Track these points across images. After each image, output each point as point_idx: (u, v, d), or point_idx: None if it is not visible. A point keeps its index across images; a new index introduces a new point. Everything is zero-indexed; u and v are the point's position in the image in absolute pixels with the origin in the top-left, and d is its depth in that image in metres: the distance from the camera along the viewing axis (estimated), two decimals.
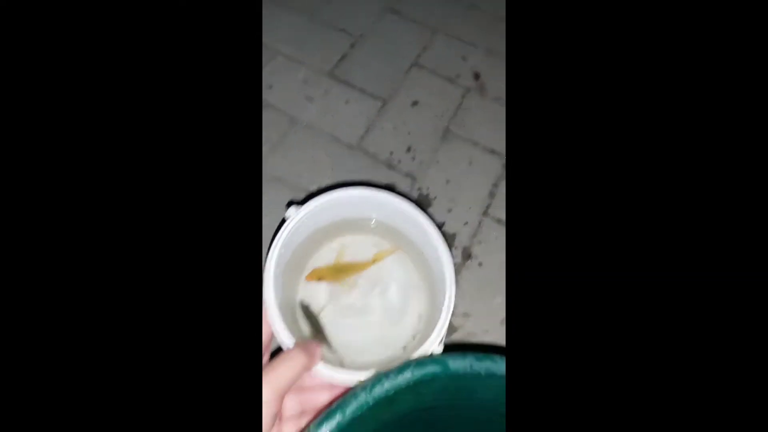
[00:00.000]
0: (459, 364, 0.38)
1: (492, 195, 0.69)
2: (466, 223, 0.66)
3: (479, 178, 0.70)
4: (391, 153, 0.71)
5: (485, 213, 0.67)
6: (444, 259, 0.46)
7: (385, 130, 0.73)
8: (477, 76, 0.79)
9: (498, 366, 0.39)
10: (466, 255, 0.65)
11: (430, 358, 0.38)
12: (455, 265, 0.62)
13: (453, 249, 0.65)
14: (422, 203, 0.67)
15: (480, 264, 0.64)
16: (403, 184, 0.69)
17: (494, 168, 0.70)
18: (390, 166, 0.70)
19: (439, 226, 0.65)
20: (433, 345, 0.43)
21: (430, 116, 0.75)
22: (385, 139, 0.72)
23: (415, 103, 0.76)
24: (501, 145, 0.72)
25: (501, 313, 0.60)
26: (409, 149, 0.72)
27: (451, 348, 0.41)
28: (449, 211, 0.67)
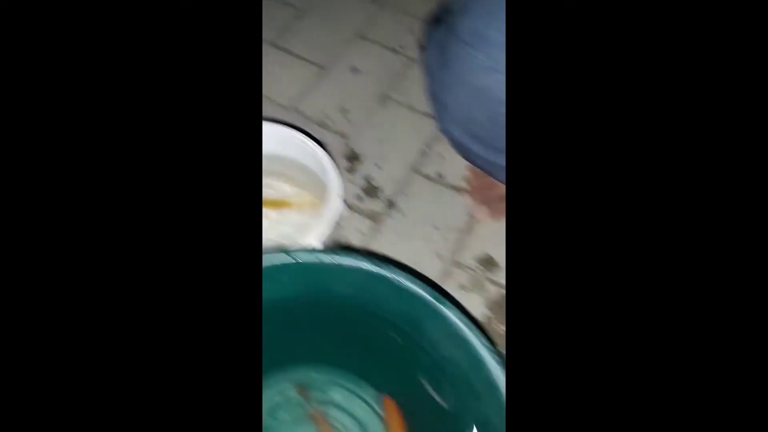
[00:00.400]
0: (307, 256, 0.38)
1: (423, 154, 0.68)
2: (393, 178, 0.66)
3: (412, 140, 0.69)
4: (324, 113, 0.71)
5: (414, 170, 0.67)
6: (330, 174, 0.50)
7: (321, 93, 0.74)
8: (423, 48, 0.80)
9: (345, 259, 0.39)
10: (390, 205, 0.64)
11: (284, 249, 0.38)
12: (377, 213, 0.63)
13: (377, 199, 0.64)
14: (352, 158, 0.67)
15: (402, 213, 0.63)
16: (334, 142, 0.69)
17: (429, 130, 0.70)
18: (322, 125, 0.70)
19: (366, 180, 0.65)
20: (311, 242, 0.48)
21: (369, 83, 0.75)
22: (320, 101, 0.73)
23: (354, 70, 0.76)
24: None
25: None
26: (343, 111, 0.72)
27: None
28: (379, 167, 0.67)
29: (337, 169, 0.51)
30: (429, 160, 0.67)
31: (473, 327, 0.35)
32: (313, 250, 0.39)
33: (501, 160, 0.47)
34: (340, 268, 0.39)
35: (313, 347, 0.52)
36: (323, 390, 0.51)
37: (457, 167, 0.66)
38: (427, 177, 0.66)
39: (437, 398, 0.42)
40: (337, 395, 0.52)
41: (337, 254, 0.39)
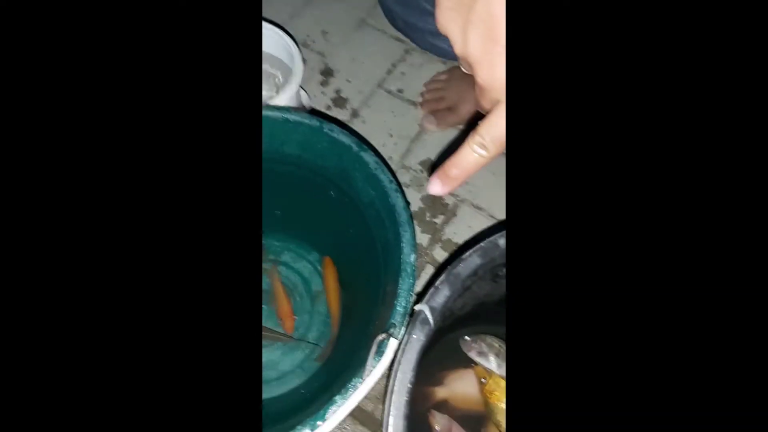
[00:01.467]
0: (265, 111, 0.46)
1: (389, 72, 0.77)
2: (360, 92, 0.74)
3: (381, 60, 0.78)
4: (307, 35, 0.80)
5: (379, 85, 0.75)
6: (295, 57, 0.59)
7: (306, 18, 0.82)
8: None
9: (292, 115, 0.47)
10: (354, 114, 0.73)
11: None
12: (343, 121, 0.72)
13: (343, 109, 0.73)
14: (326, 74, 0.76)
15: (363, 122, 0.72)
16: (312, 59, 0.77)
17: (397, 52, 0.78)
18: (305, 45, 0.79)
19: (337, 92, 0.74)
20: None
21: (350, 9, 0.83)
22: (305, 25, 0.81)
23: None
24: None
25: None
26: (323, 33, 0.80)
27: None
28: (348, 81, 0.75)
29: (302, 58, 0.59)
30: (393, 78, 0.76)
31: (383, 167, 0.44)
32: (269, 107, 0.48)
33: (420, 22, 0.52)
34: (287, 122, 0.47)
35: (271, 217, 0.61)
36: (277, 254, 0.61)
37: (416, 84, 0.75)
38: (389, 92, 0.75)
39: (360, 246, 0.51)
40: (288, 258, 0.61)
41: (285, 110, 0.47)
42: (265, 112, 0.48)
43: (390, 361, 0.36)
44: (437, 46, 0.58)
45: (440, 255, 0.64)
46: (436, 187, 0.28)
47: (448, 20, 0.28)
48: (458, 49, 0.28)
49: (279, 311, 0.57)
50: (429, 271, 0.64)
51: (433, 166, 0.69)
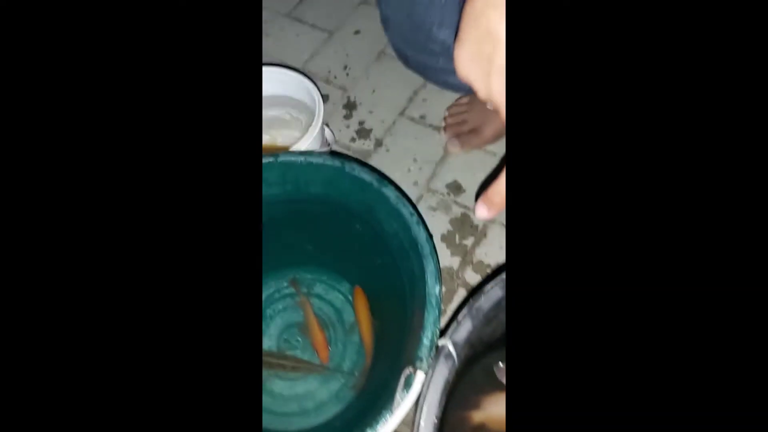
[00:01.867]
0: (285, 156, 0.49)
1: (410, 100, 0.78)
2: (383, 121, 0.76)
3: (402, 88, 0.80)
4: (329, 71, 0.83)
5: (401, 113, 0.77)
6: (316, 99, 0.61)
7: (327, 55, 0.85)
8: None
9: (314, 158, 0.50)
10: (378, 143, 0.75)
11: (274, 153, 0.49)
12: (367, 151, 0.75)
13: (367, 140, 0.75)
14: (349, 107, 0.78)
15: (387, 150, 0.74)
16: (335, 95, 0.80)
17: (418, 80, 0.79)
18: (327, 81, 0.82)
19: (360, 124, 0.76)
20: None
21: (369, 42, 0.86)
22: (326, 61, 0.84)
23: (357, 32, 0.87)
24: None
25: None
26: (345, 68, 0.83)
27: None
28: (370, 112, 0.77)
29: (322, 100, 0.62)
30: (414, 105, 0.78)
31: (404, 200, 0.45)
32: (293, 153, 0.50)
33: (431, 62, 0.54)
34: (311, 165, 0.50)
35: (302, 252, 0.63)
36: (309, 286, 0.63)
37: (438, 110, 0.76)
38: (412, 119, 0.76)
39: (387, 276, 0.52)
40: (320, 289, 0.63)
41: (308, 155, 0.50)
42: (290, 158, 0.50)
43: (417, 394, 0.37)
44: (451, 83, 0.60)
45: (472, 278, 0.65)
46: (483, 212, 0.31)
47: (469, 71, 0.32)
48: (482, 94, 0.32)
49: (314, 342, 0.59)
50: (462, 294, 0.64)
51: (460, 188, 0.70)
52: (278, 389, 0.58)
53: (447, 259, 0.66)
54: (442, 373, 0.32)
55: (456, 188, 0.70)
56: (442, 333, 0.38)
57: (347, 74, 0.82)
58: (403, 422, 0.40)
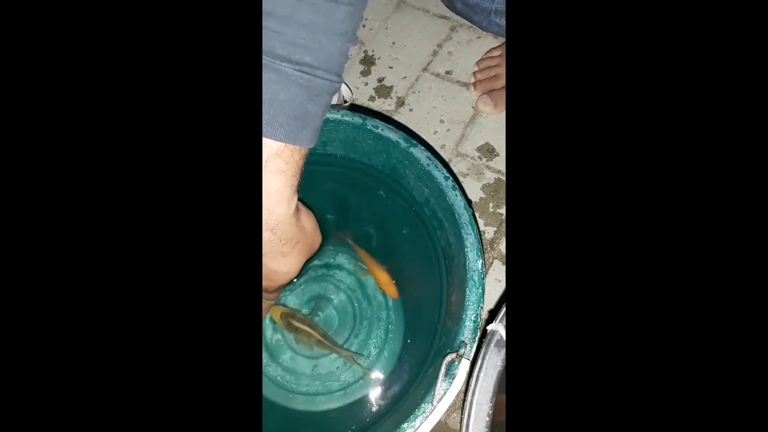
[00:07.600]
0: (334, 114, 0.43)
1: (434, 54, 0.71)
2: (405, 77, 0.69)
3: (424, 41, 0.72)
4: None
5: (425, 69, 0.70)
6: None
7: None
8: None
9: (332, 114, 0.43)
10: (400, 103, 0.68)
11: None
12: (389, 111, 0.68)
13: (388, 99, 0.68)
14: (367, 62, 0.71)
15: (411, 110, 0.67)
16: (351, 49, 0.73)
17: (442, 31, 0.72)
18: None
19: (379, 81, 0.69)
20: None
21: None
22: None
23: None
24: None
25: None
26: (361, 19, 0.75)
27: None
28: (390, 68, 0.70)
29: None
30: (439, 59, 0.70)
31: (437, 162, 0.39)
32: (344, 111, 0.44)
33: (485, 1, 0.49)
34: (327, 121, 0.44)
35: (321, 221, 0.59)
36: (334, 257, 0.58)
37: (466, 64, 0.69)
38: (437, 75, 0.69)
39: (417, 249, 0.47)
40: (344, 260, 0.59)
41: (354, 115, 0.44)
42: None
43: (462, 384, 0.32)
44: (504, 26, 0.52)
45: None
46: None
47: None
48: None
49: (379, 281, 0.54)
50: (497, 267, 0.58)
51: (492, 151, 0.63)
52: (301, 368, 0.54)
53: (480, 228, 0.60)
54: (494, 363, 0.27)
55: (488, 151, 0.63)
56: (488, 320, 0.33)
57: (363, 25, 0.75)
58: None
